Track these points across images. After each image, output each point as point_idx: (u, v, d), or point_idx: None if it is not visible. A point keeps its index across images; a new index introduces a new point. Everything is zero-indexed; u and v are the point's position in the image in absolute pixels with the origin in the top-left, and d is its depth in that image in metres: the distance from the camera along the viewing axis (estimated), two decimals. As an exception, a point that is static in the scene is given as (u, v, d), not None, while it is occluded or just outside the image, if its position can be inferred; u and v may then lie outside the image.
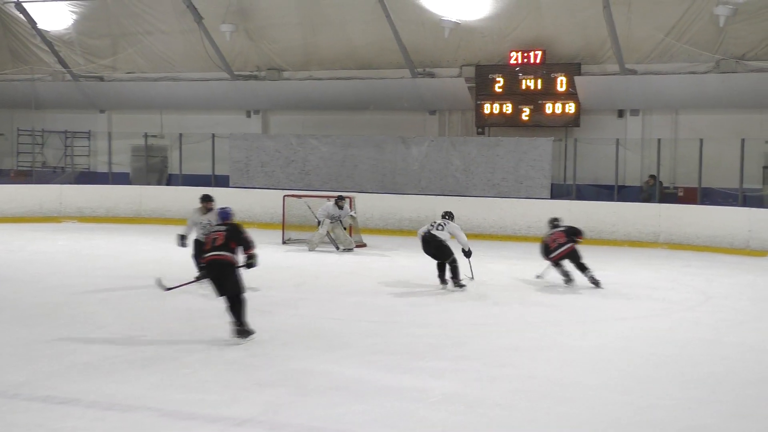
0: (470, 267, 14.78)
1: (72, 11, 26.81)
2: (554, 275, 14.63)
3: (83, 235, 21.21)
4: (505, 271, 16.21)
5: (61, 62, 27.70)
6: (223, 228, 10.42)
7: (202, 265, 10.52)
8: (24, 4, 26.78)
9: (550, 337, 10.49)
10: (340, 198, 19.34)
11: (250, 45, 25.71)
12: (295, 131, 25.65)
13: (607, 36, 21.85)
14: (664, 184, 22.03)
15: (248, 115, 27.18)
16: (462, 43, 23.65)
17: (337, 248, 18.76)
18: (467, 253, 14.49)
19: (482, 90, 23.46)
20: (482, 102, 23.45)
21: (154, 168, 27.56)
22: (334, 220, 18.92)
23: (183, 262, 14.67)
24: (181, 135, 25.80)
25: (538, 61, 22.92)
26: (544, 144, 21.99)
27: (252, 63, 26.12)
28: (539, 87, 22.86)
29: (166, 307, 11.90)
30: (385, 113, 25.27)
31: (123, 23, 26.58)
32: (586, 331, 10.98)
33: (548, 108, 22.86)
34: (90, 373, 8.44)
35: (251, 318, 10.16)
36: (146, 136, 26.71)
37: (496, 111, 23.32)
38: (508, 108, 23.19)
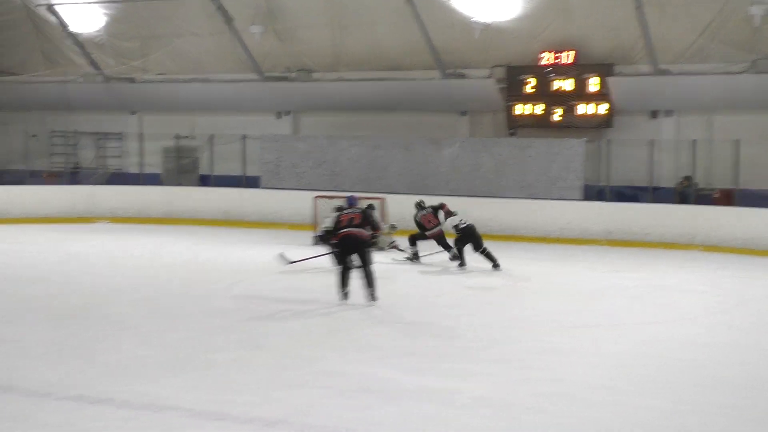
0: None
1: (103, 13, 27.02)
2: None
3: (115, 235, 21.37)
4: (537, 274, 16.15)
5: (93, 64, 27.92)
6: (358, 210, 13.08)
7: (334, 242, 13.12)
8: (55, 7, 27.02)
9: (581, 340, 10.43)
10: (370, 207, 19.13)
11: (280, 46, 25.79)
12: (326, 132, 25.69)
13: (640, 36, 21.72)
14: (700, 186, 21.86)
15: (279, 116, 27.26)
16: (492, 43, 23.59)
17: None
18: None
19: (513, 91, 23.41)
20: (513, 103, 23.40)
21: (185, 169, 27.71)
22: None
23: (211, 261, 14.78)
24: (212, 136, 25.93)
25: (569, 61, 22.84)
26: (576, 145, 21.89)
27: (282, 64, 26.20)
28: (571, 88, 22.78)
29: (197, 309, 11.96)
30: (415, 114, 25.26)
31: (153, 25, 26.74)
32: (618, 334, 10.91)
33: (580, 109, 22.76)
34: (121, 373, 8.50)
35: (280, 319, 10.20)
36: (177, 137, 26.88)
37: (527, 112, 23.25)
38: (539, 109, 23.12)
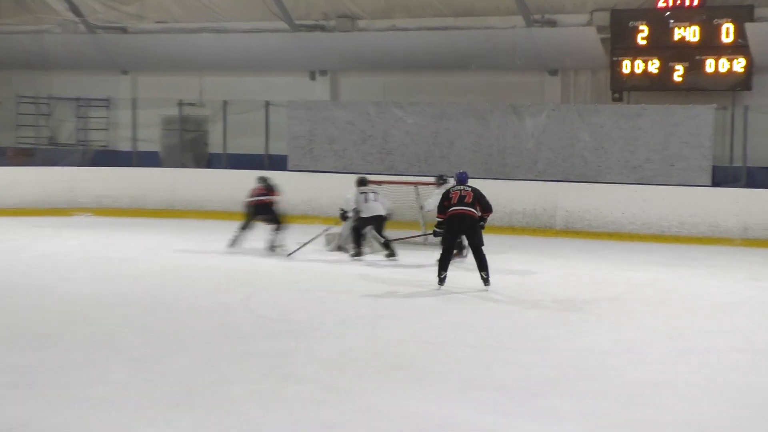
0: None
1: (87, -57, 27.34)
2: None
3: (101, 231, 21.58)
4: (649, 282, 16.06)
5: (74, 9, 28.18)
6: (470, 188, 14.99)
7: (440, 220, 14.97)
8: (26, -65, 27.37)
9: (708, 370, 10.34)
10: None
11: (315, -14, 25.95)
12: (374, 98, 25.74)
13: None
14: None
15: (312, 77, 27.37)
16: (593, -20, 23.58)
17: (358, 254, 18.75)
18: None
19: (620, 43, 23.27)
20: (620, 58, 23.27)
21: (191, 146, 27.91)
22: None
23: (223, 266, 14.86)
24: (225, 103, 26.10)
25: (695, 2, 22.65)
26: (703, 113, 21.71)
27: (318, 10, 26.28)
28: (697, 38, 22.59)
29: (206, 327, 12.05)
30: (491, 74, 25.23)
31: (152, -42, 27.04)
32: (759, 361, 10.81)
33: (709, 66, 22.57)
34: (109, 411, 8.57)
35: (312, 339, 10.24)
36: (181, 104, 27.09)
37: (638, 70, 23.12)
38: (654, 66, 22.97)
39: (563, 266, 17.66)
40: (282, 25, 26.38)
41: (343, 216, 18.88)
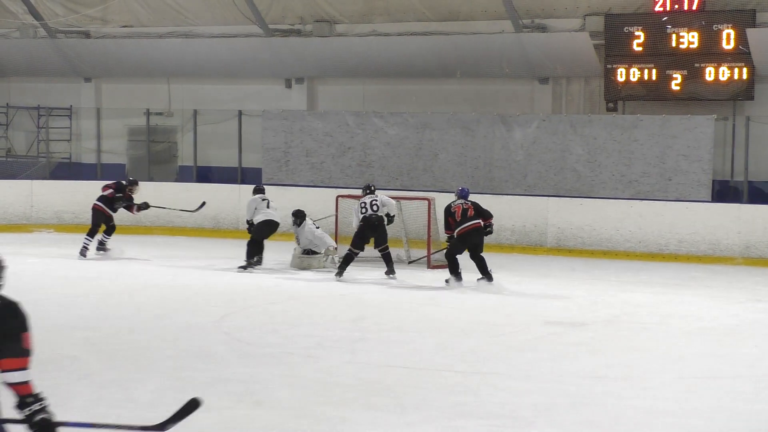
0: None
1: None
2: None
3: (62, 249, 21.51)
4: (646, 304, 16.13)
5: (33, 12, 28.15)
6: (470, 203, 17.39)
7: (449, 236, 17.41)
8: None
9: (709, 398, 10.37)
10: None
11: (291, -13, 25.99)
12: (353, 107, 25.79)
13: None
14: None
15: (288, 84, 27.39)
16: (586, -18, 23.67)
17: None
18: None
19: (614, 49, 23.35)
20: (614, 66, 23.33)
21: (159, 158, 27.91)
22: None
23: (195, 285, 14.88)
24: (195, 112, 26.12)
25: (694, 7, 22.75)
26: (702, 124, 21.80)
27: (294, 13, 26.32)
28: (696, 44, 22.68)
29: (176, 350, 12.05)
30: (478, 82, 25.29)
31: (117, -41, 27.04)
32: (760, 390, 10.86)
33: (709, 74, 22.65)
34: (71, 439, 8.57)
35: (289, 364, 10.27)
36: (148, 113, 27.08)
37: (633, 78, 23.18)
38: (651, 74, 23.04)
39: (554, 286, 17.70)
40: (255, 29, 26.40)
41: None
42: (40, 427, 5.90)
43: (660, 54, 22.99)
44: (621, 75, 23.29)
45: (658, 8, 23.00)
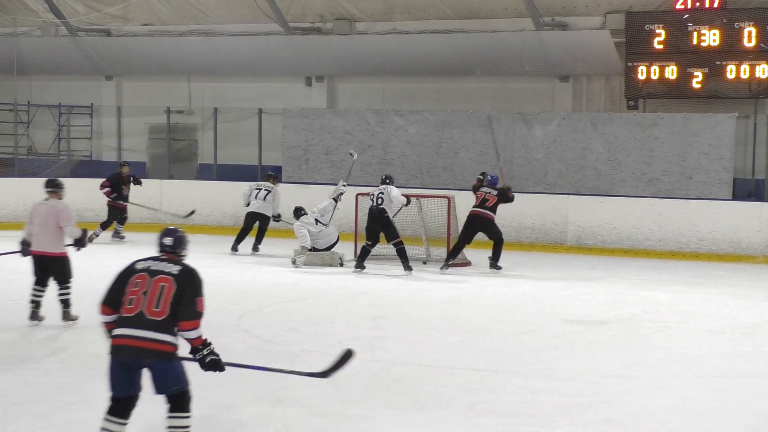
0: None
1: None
2: None
3: (83, 248, 21.50)
4: (666, 302, 16.09)
5: (54, 10, 28.22)
6: (495, 192, 18.49)
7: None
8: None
9: (730, 397, 10.32)
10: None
11: (311, -14, 25.98)
12: (373, 105, 25.77)
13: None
14: None
15: (308, 82, 27.40)
16: (607, -19, 23.62)
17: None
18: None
19: (635, 47, 23.28)
20: (635, 64, 23.27)
21: (179, 156, 27.93)
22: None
23: (214, 284, 14.85)
24: (216, 110, 26.12)
25: (715, 5, 22.67)
26: (724, 122, 21.73)
27: (314, 11, 26.32)
28: (717, 42, 22.61)
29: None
30: (498, 80, 25.26)
31: (138, -43, 27.09)
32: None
33: (730, 72, 22.57)
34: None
35: (308, 361, 10.24)
36: (169, 111, 27.09)
37: (654, 76, 23.12)
38: (672, 72, 22.97)
39: (574, 285, 17.66)
40: (275, 27, 26.40)
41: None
42: (211, 365, 7.75)
43: (681, 52, 22.91)
44: (642, 73, 23.22)
45: (679, 6, 22.92)
